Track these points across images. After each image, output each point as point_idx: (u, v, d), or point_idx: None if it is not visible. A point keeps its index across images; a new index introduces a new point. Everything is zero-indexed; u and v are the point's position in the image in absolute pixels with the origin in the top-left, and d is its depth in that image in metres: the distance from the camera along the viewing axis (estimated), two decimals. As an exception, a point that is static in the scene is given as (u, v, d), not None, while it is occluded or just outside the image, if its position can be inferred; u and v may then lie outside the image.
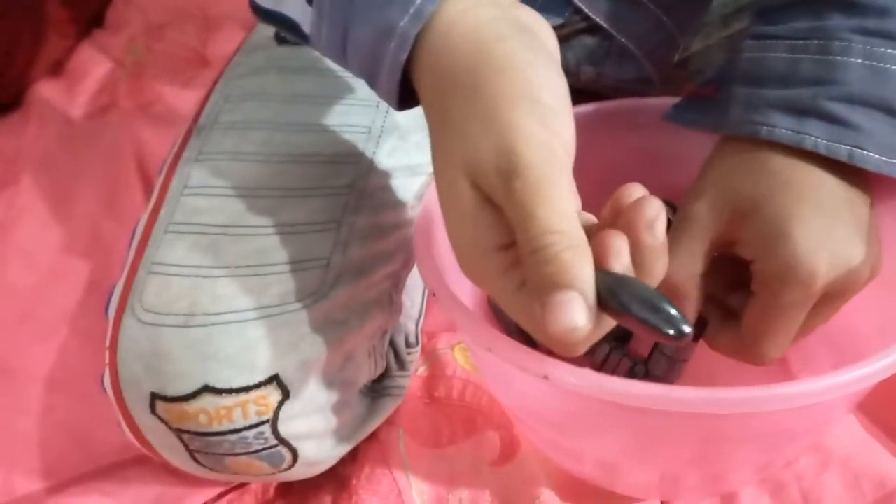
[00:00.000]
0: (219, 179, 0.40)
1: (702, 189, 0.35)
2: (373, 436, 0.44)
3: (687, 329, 0.24)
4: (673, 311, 0.24)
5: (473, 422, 0.45)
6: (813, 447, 0.42)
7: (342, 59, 0.34)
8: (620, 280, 0.25)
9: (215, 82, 0.47)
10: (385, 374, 0.43)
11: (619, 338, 0.43)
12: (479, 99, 0.27)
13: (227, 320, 0.35)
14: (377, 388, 0.43)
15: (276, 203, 0.39)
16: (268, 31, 0.47)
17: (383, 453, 0.43)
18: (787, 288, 0.32)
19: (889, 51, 0.33)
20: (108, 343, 0.37)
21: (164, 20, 0.77)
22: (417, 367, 0.48)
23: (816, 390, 0.30)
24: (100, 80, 0.73)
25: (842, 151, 0.33)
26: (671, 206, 0.44)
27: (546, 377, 0.29)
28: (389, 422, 0.45)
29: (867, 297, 0.38)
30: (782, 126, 0.33)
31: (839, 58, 0.33)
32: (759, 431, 0.36)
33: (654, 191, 0.28)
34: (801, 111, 0.33)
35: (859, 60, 0.33)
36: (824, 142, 0.33)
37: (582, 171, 0.48)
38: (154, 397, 0.35)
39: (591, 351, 0.40)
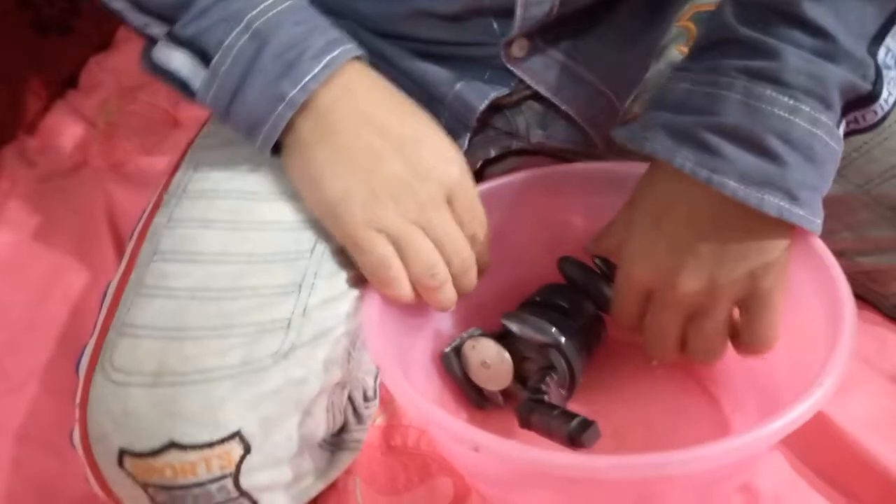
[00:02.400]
0: (187, 245, 0.42)
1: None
2: (331, 485, 0.46)
3: None
4: None
5: (428, 469, 0.48)
6: (743, 488, 0.46)
7: (223, 113, 0.43)
8: None
9: (185, 151, 0.50)
10: (343, 429, 0.46)
11: (535, 390, 0.46)
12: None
13: (193, 380, 0.38)
14: (336, 442, 0.45)
15: (241, 269, 0.41)
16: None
17: (341, 502, 0.45)
18: (622, 283, 0.42)
19: (767, 91, 0.38)
20: (78, 400, 0.40)
21: (136, 82, 0.80)
22: (375, 418, 0.50)
23: (736, 447, 0.34)
24: (73, 140, 0.75)
25: (702, 174, 0.38)
26: (611, 266, 0.48)
27: (477, 449, 0.32)
28: (347, 471, 0.47)
29: (786, 345, 0.42)
30: (660, 144, 0.39)
31: (722, 92, 0.39)
32: (690, 483, 0.39)
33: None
34: (681, 135, 0.39)
35: (738, 96, 0.38)
36: (690, 163, 0.38)
37: (531, 232, 0.52)
38: (122, 453, 0.38)
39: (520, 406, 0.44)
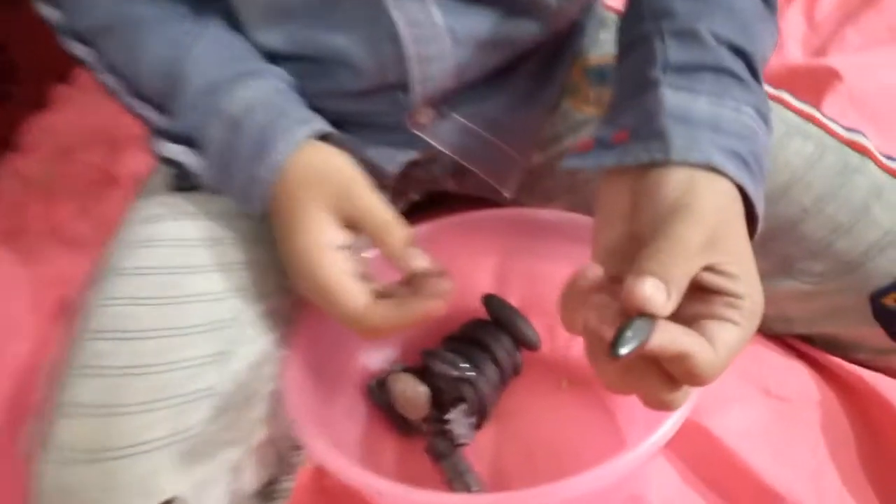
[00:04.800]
0: (118, 323, 0.46)
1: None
2: (268, 531, 0.50)
3: None
4: None
5: (357, 506, 0.52)
6: (635, 499, 0.51)
7: (224, 191, 0.48)
8: None
9: (118, 225, 0.54)
10: (272, 481, 0.50)
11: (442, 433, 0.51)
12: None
13: (128, 454, 0.42)
14: (265, 493, 0.49)
15: (168, 343, 0.45)
16: (162, 176, 0.54)
17: (276, 547, 0.50)
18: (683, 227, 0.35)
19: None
20: (25, 479, 0.43)
21: (73, 142, 0.82)
22: (306, 460, 0.54)
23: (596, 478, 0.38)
24: (10, 204, 0.77)
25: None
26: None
27: (380, 493, 0.37)
28: (282, 515, 0.51)
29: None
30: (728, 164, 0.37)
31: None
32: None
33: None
34: (739, 157, 0.38)
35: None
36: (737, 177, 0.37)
37: (453, 272, 0.57)
38: None
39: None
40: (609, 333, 0.32)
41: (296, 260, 0.44)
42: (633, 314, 0.32)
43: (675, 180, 0.37)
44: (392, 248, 0.44)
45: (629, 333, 0.31)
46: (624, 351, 0.30)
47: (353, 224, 0.45)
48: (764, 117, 0.41)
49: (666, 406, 0.35)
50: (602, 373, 0.35)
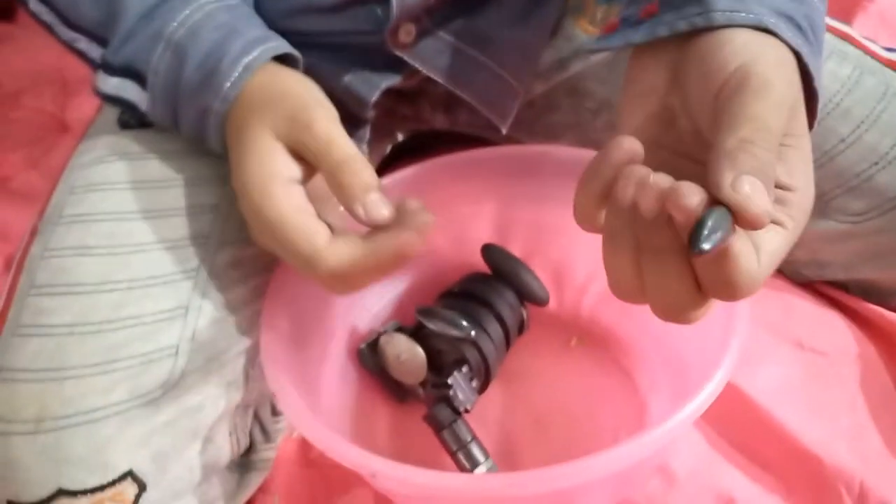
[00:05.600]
0: (64, 276, 0.40)
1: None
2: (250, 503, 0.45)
3: None
4: None
5: (347, 480, 0.47)
6: (660, 469, 0.46)
7: (175, 129, 0.42)
8: None
9: (62, 172, 0.47)
10: (251, 448, 0.44)
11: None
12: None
13: (76, 422, 0.36)
14: (244, 463, 0.44)
15: (122, 296, 0.39)
16: (110, 115, 0.48)
17: (259, 523, 0.44)
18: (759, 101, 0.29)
19: None
20: None
21: (20, 87, 0.75)
22: (292, 431, 0.49)
23: (631, 452, 0.33)
24: (-45, 155, 0.71)
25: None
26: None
27: (374, 475, 0.31)
28: (265, 489, 0.46)
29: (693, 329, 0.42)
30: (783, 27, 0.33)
31: None
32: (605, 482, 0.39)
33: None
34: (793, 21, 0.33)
35: None
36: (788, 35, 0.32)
37: (442, 221, 0.51)
38: None
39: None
40: (650, 213, 0.27)
41: (244, 195, 0.37)
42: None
43: (732, 45, 0.31)
44: (349, 192, 0.35)
45: (711, 223, 0.25)
46: (708, 246, 0.25)
47: (307, 157, 0.37)
48: None
49: (684, 319, 0.30)
50: (616, 270, 0.30)
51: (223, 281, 0.42)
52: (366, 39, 0.46)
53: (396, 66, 0.47)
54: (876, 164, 0.47)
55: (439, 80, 0.48)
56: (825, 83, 0.47)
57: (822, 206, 0.49)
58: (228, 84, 0.38)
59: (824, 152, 0.48)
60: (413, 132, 0.59)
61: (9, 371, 0.38)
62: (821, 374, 0.49)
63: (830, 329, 0.51)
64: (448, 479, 0.34)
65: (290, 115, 0.37)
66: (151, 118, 0.42)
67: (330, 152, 0.36)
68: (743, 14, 0.32)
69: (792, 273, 0.54)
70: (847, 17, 0.71)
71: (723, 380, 0.36)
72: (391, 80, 0.48)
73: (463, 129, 0.57)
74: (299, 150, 0.37)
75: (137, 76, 0.41)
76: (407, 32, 0.46)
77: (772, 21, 0.32)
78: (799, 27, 0.33)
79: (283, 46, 0.41)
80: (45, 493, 0.36)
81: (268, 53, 0.40)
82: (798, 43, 0.32)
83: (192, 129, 0.41)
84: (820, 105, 0.44)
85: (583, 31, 0.53)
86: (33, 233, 0.44)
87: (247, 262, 0.43)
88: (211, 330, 0.40)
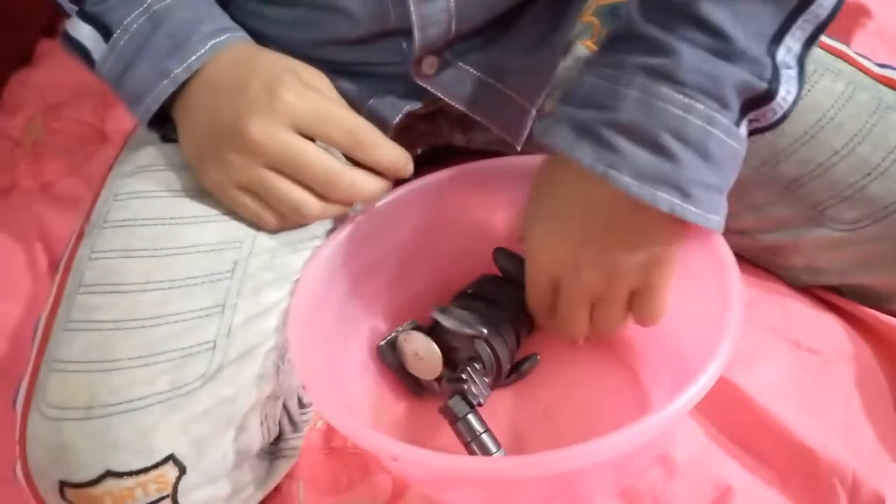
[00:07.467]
0: (110, 277, 0.43)
1: None
2: (276, 489, 0.48)
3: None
4: None
5: (367, 467, 0.50)
6: (661, 459, 0.49)
7: (115, 84, 0.47)
8: None
9: (105, 179, 0.51)
10: (280, 437, 0.47)
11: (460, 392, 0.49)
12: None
13: (122, 409, 0.39)
14: (273, 451, 0.47)
15: (163, 295, 0.43)
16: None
17: (284, 507, 0.48)
18: (530, 273, 0.45)
19: (662, 89, 0.38)
20: (17, 437, 0.41)
21: (61, 99, 0.79)
22: (316, 421, 0.52)
23: (631, 437, 0.36)
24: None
25: (598, 168, 0.38)
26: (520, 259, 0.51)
27: (395, 459, 0.34)
28: (291, 475, 0.49)
29: (692, 326, 0.44)
30: (561, 139, 0.40)
31: (622, 88, 0.39)
32: (605, 466, 0.42)
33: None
34: (582, 129, 0.39)
35: (636, 93, 0.38)
36: (588, 158, 0.38)
37: (461, 226, 0.54)
38: (63, 484, 0.39)
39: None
40: None
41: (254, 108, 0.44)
42: None
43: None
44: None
45: None
46: None
47: None
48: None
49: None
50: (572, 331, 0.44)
51: (256, 282, 0.45)
52: (391, 69, 0.49)
53: (418, 92, 0.50)
54: (869, 174, 0.49)
55: (460, 107, 0.51)
56: (819, 100, 0.49)
57: (818, 215, 0.51)
58: (194, 57, 0.45)
59: (819, 164, 0.50)
60: (430, 147, 0.61)
61: (61, 363, 0.41)
62: (816, 372, 0.51)
63: (827, 330, 0.53)
64: (463, 461, 0.37)
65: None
66: (96, 67, 0.47)
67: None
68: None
69: (790, 278, 0.56)
70: (846, 35, 0.72)
71: (717, 371, 0.38)
72: (413, 105, 0.51)
73: (479, 146, 0.60)
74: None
75: (103, 28, 0.47)
76: (430, 65, 0.49)
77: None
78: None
79: (246, 37, 0.48)
80: (94, 474, 0.39)
81: (235, 39, 0.47)
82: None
83: (137, 85, 0.46)
84: (815, 119, 0.47)
85: (589, 51, 0.56)
86: (80, 236, 0.48)
87: (277, 266, 0.47)
88: (245, 327, 0.43)
